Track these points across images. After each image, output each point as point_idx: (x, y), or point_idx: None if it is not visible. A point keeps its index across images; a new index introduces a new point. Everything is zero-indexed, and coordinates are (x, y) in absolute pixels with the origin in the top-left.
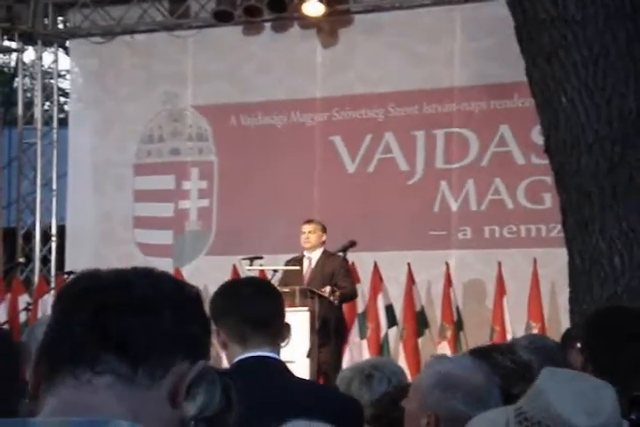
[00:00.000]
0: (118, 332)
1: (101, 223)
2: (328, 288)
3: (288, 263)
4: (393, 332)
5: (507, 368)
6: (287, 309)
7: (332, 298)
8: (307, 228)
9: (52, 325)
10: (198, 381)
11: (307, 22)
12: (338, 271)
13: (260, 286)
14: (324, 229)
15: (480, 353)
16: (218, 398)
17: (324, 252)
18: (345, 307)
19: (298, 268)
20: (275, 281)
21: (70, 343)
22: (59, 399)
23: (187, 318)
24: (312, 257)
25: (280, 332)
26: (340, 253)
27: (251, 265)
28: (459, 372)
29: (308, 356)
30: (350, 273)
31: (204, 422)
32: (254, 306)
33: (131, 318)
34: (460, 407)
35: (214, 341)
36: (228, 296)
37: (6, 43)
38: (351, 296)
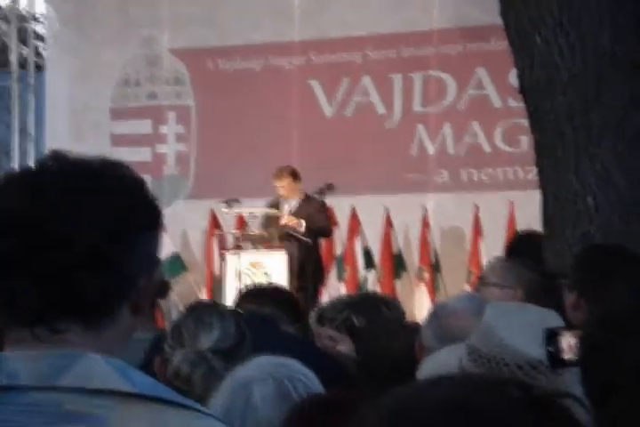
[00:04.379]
0: (72, 291)
1: None
2: (303, 222)
3: (267, 207)
4: (371, 275)
5: None
6: (265, 251)
7: (302, 230)
8: (276, 183)
9: None
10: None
11: None
12: (313, 213)
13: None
14: (295, 177)
15: None
16: (232, 331)
17: (305, 196)
18: (323, 250)
19: (277, 211)
20: (255, 224)
21: (22, 308)
22: (25, 347)
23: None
24: (291, 202)
25: None
26: (317, 197)
27: (228, 208)
28: (450, 307)
29: None
30: (325, 214)
31: (221, 354)
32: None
33: (79, 273)
34: (429, 338)
35: None
36: None
37: None
38: (323, 232)
